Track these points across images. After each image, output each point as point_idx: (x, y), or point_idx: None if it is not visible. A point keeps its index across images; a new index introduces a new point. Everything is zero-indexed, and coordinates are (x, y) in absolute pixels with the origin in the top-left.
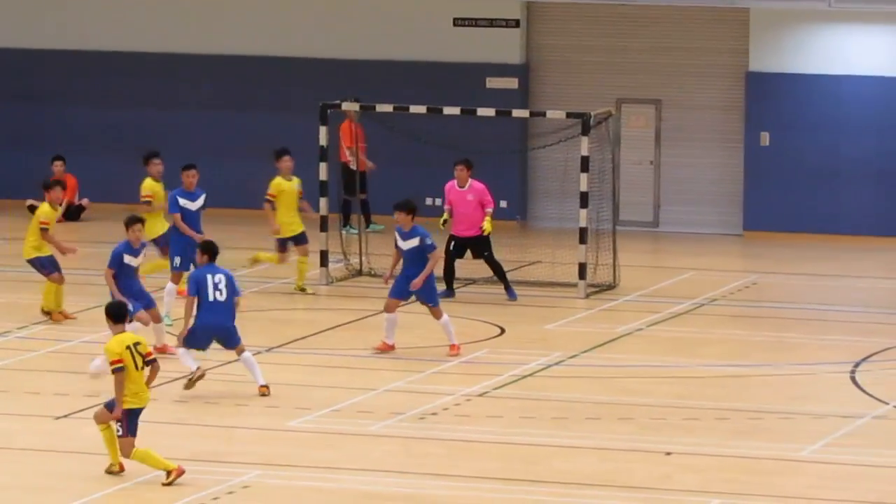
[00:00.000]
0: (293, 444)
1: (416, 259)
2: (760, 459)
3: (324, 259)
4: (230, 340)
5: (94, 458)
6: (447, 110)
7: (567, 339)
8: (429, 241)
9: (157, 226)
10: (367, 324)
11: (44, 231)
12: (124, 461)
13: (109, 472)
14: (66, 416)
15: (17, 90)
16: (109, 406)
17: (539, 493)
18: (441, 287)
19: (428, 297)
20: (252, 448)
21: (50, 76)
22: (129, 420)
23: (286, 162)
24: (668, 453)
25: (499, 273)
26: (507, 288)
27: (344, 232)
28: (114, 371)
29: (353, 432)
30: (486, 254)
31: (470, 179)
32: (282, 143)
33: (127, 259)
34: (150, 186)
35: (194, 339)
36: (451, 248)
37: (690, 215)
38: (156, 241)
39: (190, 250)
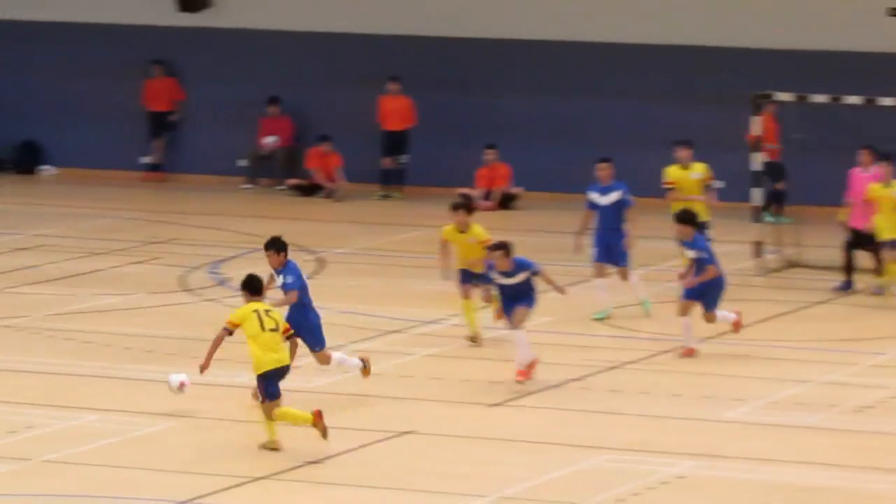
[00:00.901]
0: (728, 435)
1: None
2: None
3: (758, 250)
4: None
5: (526, 445)
6: (885, 101)
7: None
8: (704, 256)
9: None
10: (803, 315)
11: (443, 245)
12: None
13: (267, 447)
14: (499, 405)
15: (449, 78)
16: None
17: None
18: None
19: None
20: (687, 438)
21: (482, 64)
22: (266, 385)
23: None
24: None
25: (848, 267)
26: (847, 281)
27: (773, 220)
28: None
29: (790, 424)
30: (872, 245)
31: (875, 166)
32: (714, 134)
33: None
34: (671, 173)
35: None
36: (849, 240)
37: None
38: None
39: (606, 242)
